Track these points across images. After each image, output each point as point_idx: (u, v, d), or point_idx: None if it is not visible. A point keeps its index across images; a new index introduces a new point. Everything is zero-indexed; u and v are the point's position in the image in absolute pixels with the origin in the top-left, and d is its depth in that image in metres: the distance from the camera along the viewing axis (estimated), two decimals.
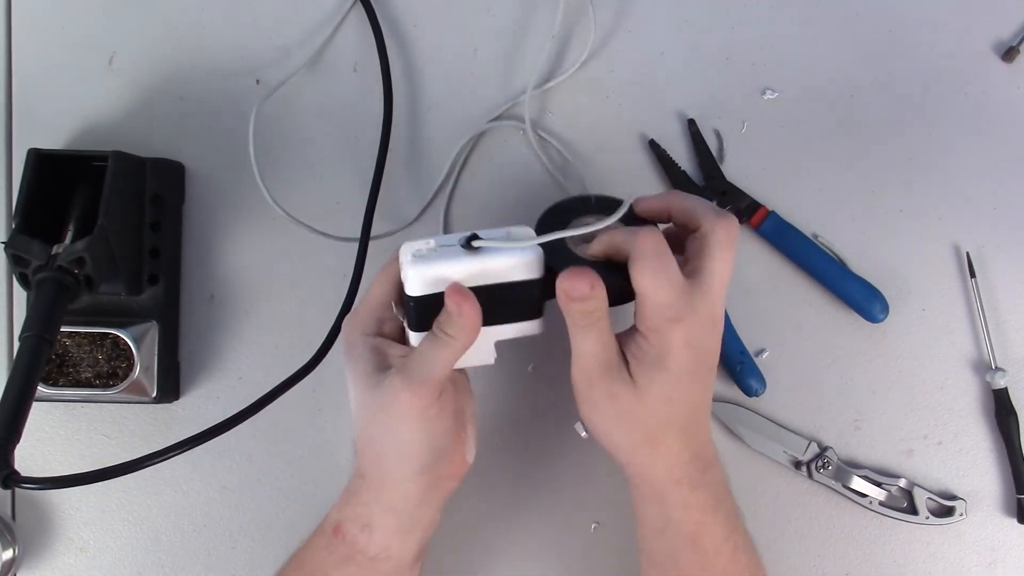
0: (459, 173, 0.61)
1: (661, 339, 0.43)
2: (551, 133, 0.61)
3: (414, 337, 0.45)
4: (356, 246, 0.57)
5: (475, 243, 0.42)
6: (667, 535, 0.46)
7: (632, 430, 0.45)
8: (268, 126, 0.60)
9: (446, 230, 0.61)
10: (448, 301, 0.42)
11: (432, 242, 0.43)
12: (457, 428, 0.47)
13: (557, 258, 0.45)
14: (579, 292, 0.42)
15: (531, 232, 0.44)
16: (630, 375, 0.44)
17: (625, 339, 0.45)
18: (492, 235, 0.43)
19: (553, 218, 0.47)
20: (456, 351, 0.43)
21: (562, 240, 0.44)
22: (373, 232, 0.58)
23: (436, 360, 0.43)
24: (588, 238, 0.45)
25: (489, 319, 0.43)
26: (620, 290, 0.43)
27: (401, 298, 0.45)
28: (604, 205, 0.48)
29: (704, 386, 0.46)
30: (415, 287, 0.42)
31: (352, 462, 0.48)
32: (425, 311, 0.43)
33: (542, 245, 0.43)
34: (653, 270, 0.42)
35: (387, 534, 0.46)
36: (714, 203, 0.48)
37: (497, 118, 0.61)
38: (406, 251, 0.43)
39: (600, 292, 0.42)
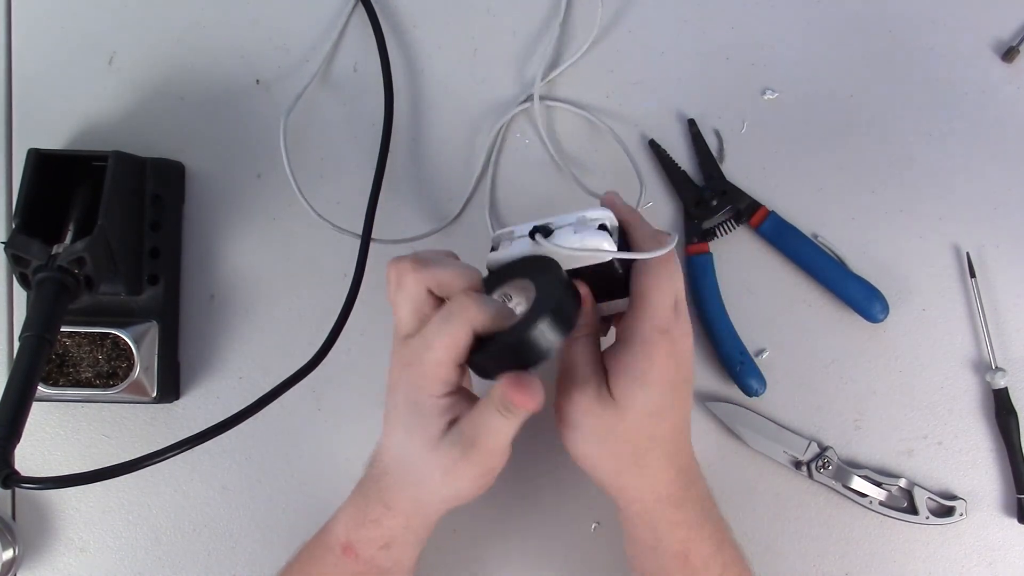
0: (494, 169, 0.62)
1: (647, 351, 0.43)
2: (551, 132, 0.61)
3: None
4: (358, 245, 0.57)
5: (537, 238, 0.43)
6: (657, 553, 0.46)
7: (615, 450, 0.45)
8: (269, 127, 0.60)
9: (494, 227, 0.61)
10: (510, 394, 0.41)
11: (513, 231, 0.45)
12: None
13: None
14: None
15: (605, 239, 0.44)
16: (609, 392, 0.44)
17: (612, 351, 0.45)
18: (561, 223, 0.44)
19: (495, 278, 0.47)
20: (521, 421, 0.42)
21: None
22: (395, 236, 0.59)
23: (499, 431, 0.42)
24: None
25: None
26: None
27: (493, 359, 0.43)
28: (533, 266, 0.47)
29: (685, 400, 0.46)
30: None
31: (366, 479, 0.47)
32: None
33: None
34: (667, 276, 0.43)
35: (402, 549, 0.47)
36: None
37: (525, 101, 0.61)
38: (496, 240, 0.45)
39: (592, 306, 0.43)
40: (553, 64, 0.61)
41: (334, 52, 0.62)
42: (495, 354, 0.42)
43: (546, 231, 0.43)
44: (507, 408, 0.42)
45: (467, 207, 0.61)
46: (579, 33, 0.61)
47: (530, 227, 0.44)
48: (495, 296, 0.45)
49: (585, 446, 0.45)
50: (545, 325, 0.40)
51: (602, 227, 0.43)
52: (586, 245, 0.42)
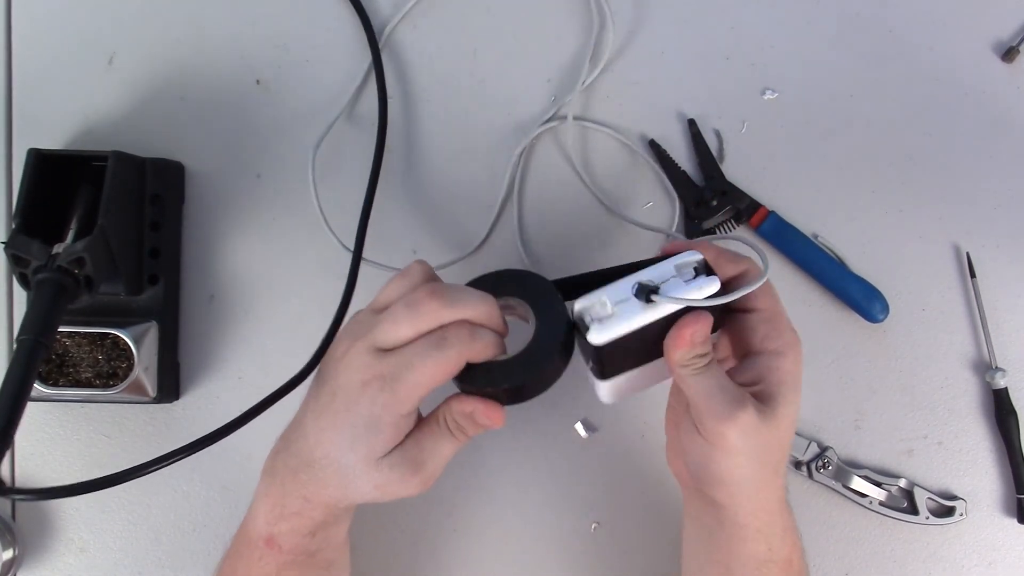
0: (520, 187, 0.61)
1: (796, 356, 0.43)
2: (572, 152, 0.61)
3: (602, 386, 0.45)
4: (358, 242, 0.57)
5: (654, 298, 0.41)
6: (768, 566, 0.45)
7: (764, 463, 0.43)
8: (269, 127, 0.60)
9: (525, 250, 0.60)
10: (481, 417, 0.42)
11: (607, 301, 0.41)
12: None
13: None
14: (702, 336, 0.41)
15: (714, 281, 0.41)
16: (762, 405, 0.42)
17: (743, 371, 0.44)
18: (662, 276, 0.41)
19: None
20: (462, 445, 0.44)
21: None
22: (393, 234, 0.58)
23: (444, 455, 0.44)
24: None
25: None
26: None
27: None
28: (529, 285, 0.44)
29: None
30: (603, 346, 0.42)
31: (281, 468, 0.46)
32: (611, 361, 0.43)
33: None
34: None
35: (327, 531, 0.46)
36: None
37: (548, 119, 0.61)
38: (584, 314, 0.42)
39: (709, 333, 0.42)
40: (553, 63, 0.61)
41: (334, 52, 0.62)
42: (500, 379, 0.42)
43: (651, 288, 0.41)
44: (462, 430, 0.43)
45: (455, 196, 0.61)
46: (579, 32, 0.61)
47: (628, 287, 0.41)
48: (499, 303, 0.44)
49: (743, 468, 0.42)
50: (559, 359, 0.41)
51: (697, 270, 0.42)
52: (704, 293, 0.41)
